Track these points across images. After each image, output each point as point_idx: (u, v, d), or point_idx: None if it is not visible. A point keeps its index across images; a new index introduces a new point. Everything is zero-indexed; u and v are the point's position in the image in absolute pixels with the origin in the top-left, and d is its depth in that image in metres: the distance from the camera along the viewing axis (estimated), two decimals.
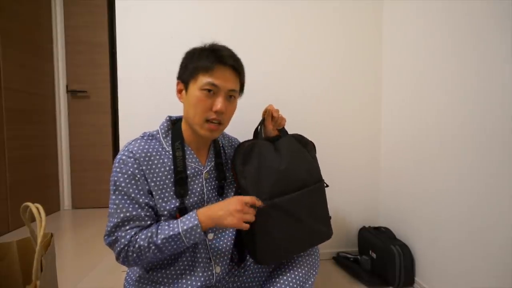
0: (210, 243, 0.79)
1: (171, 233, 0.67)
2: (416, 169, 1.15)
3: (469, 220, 0.90)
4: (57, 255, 0.89)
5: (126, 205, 0.69)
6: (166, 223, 0.70)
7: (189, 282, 0.74)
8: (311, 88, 1.36)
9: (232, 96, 0.77)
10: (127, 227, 0.68)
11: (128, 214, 0.68)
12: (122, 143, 1.29)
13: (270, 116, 0.93)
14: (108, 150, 2.43)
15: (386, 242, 1.19)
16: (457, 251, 0.95)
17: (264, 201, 0.74)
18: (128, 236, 0.67)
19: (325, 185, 0.91)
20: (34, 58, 2.14)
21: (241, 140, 1.00)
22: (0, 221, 1.82)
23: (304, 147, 0.90)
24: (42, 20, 2.24)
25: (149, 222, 0.71)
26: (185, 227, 0.67)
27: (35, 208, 0.71)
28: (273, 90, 1.33)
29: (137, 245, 0.66)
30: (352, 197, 1.42)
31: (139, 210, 0.70)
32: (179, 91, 0.79)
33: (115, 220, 0.68)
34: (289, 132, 0.96)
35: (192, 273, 0.75)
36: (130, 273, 0.80)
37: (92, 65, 2.39)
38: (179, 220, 0.70)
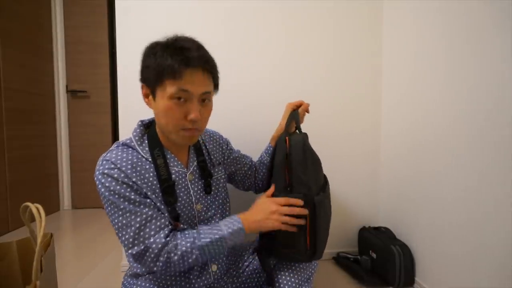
0: None
1: (217, 236, 0.66)
2: (417, 169, 1.15)
3: (469, 220, 0.90)
4: (57, 255, 0.89)
5: (137, 208, 0.64)
6: (207, 227, 0.69)
7: (187, 280, 0.74)
8: (311, 88, 1.36)
9: (206, 99, 0.69)
10: (152, 232, 0.64)
11: (144, 215, 0.64)
12: None
13: (304, 111, 0.98)
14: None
15: (386, 242, 1.19)
16: (457, 251, 0.95)
17: (321, 193, 0.77)
18: (159, 240, 0.63)
19: None
20: (34, 58, 2.14)
21: (232, 142, 1.00)
22: (0, 221, 1.82)
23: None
24: (42, 20, 2.24)
25: (167, 218, 0.68)
26: (230, 230, 0.67)
27: (35, 208, 0.70)
28: (273, 90, 1.33)
29: (179, 252, 0.64)
30: (352, 197, 1.42)
31: (151, 212, 0.65)
32: (145, 96, 0.72)
33: (133, 228, 0.63)
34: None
35: (190, 271, 0.75)
36: (128, 277, 0.79)
37: (92, 65, 2.39)
38: (221, 223, 0.69)
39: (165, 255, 0.64)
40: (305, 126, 1.34)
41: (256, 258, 0.85)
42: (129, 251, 0.65)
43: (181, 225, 0.72)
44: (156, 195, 0.69)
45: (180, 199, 0.73)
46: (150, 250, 0.64)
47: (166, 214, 0.70)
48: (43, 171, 2.23)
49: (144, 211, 0.64)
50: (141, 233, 0.64)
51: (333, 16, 1.35)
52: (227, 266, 0.83)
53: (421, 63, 1.12)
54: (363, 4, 1.37)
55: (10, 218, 1.88)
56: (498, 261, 0.81)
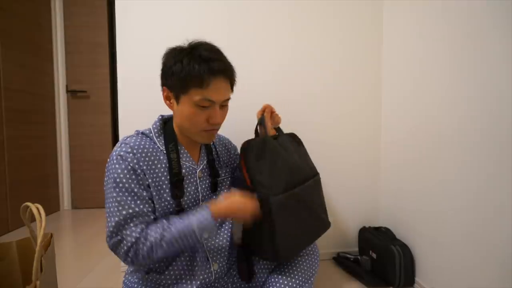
0: (206, 241, 0.79)
1: (184, 226, 0.66)
2: (416, 169, 1.15)
3: (469, 220, 0.90)
4: (57, 255, 0.89)
5: (129, 201, 0.67)
6: (177, 218, 0.69)
7: (188, 282, 0.74)
8: (311, 88, 1.36)
9: (225, 104, 0.76)
10: (131, 225, 0.66)
11: (131, 210, 0.66)
12: None
13: (269, 113, 0.95)
14: (108, 150, 2.43)
15: (386, 242, 1.19)
16: (457, 251, 0.95)
17: (281, 193, 0.77)
18: (134, 234, 0.65)
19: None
20: (34, 58, 2.14)
21: (233, 141, 1.02)
22: (0, 221, 1.82)
23: (298, 145, 0.96)
24: (42, 20, 2.24)
25: (152, 217, 0.70)
26: (198, 216, 0.68)
27: (35, 208, 0.70)
28: (272, 91, 1.33)
29: (148, 243, 0.65)
30: (352, 197, 1.42)
31: (142, 206, 0.68)
32: (167, 98, 0.76)
33: (117, 218, 0.66)
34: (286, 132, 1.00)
35: (191, 272, 0.75)
36: (128, 275, 0.79)
37: (92, 65, 2.39)
38: (189, 213, 0.70)
39: (135, 246, 0.65)
40: (306, 126, 1.35)
41: (257, 259, 0.85)
42: (107, 240, 0.67)
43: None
44: (161, 187, 0.72)
45: (188, 194, 0.76)
46: (124, 242, 0.66)
47: (160, 210, 0.72)
48: (43, 171, 2.23)
49: (132, 205, 0.67)
50: (124, 225, 0.66)
51: (330, 22, 1.36)
52: (228, 265, 0.83)
53: (421, 64, 1.12)
54: (363, 7, 1.37)
55: (10, 218, 1.88)
56: (498, 261, 0.81)
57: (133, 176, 0.68)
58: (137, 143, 0.71)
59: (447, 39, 0.98)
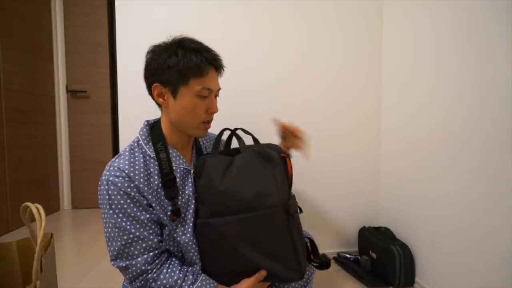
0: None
1: None
2: (416, 170, 1.15)
3: (469, 220, 0.90)
4: (57, 255, 0.89)
5: (128, 226, 0.65)
6: (192, 278, 0.68)
7: None
8: (311, 89, 1.36)
9: (217, 95, 0.78)
10: (136, 252, 0.65)
11: (131, 235, 0.64)
12: (122, 143, 1.29)
13: (284, 129, 0.92)
14: (108, 150, 2.43)
15: (386, 242, 1.19)
16: (457, 251, 0.95)
17: (203, 219, 0.71)
18: (140, 265, 0.65)
19: (288, 211, 0.69)
20: (34, 58, 2.14)
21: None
22: (0, 221, 1.82)
23: (267, 163, 0.73)
24: (42, 20, 2.24)
25: (155, 240, 0.68)
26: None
27: (35, 208, 0.70)
28: (272, 97, 1.33)
29: (158, 282, 0.65)
30: (352, 197, 1.42)
31: (142, 230, 0.66)
32: (159, 96, 0.73)
33: (119, 243, 0.64)
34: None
35: None
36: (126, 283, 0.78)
37: (92, 65, 2.39)
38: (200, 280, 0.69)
39: (143, 282, 0.65)
40: (307, 126, 1.34)
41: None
42: (112, 263, 0.66)
43: (178, 219, 0.71)
44: (160, 199, 0.70)
45: (184, 195, 0.74)
46: (130, 270, 0.65)
47: (167, 219, 0.69)
48: (43, 171, 2.23)
49: (133, 231, 0.65)
50: (126, 250, 0.65)
51: (330, 24, 1.36)
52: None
53: (421, 67, 1.12)
54: (363, 7, 1.37)
55: (10, 218, 1.88)
56: (498, 261, 0.81)
57: (128, 201, 0.65)
58: (126, 162, 0.68)
59: (448, 39, 0.98)
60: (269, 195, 0.69)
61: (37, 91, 2.16)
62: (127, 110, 1.26)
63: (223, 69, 0.77)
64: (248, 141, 0.81)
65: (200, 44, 0.73)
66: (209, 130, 0.93)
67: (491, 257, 0.83)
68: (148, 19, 1.25)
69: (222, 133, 0.84)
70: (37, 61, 2.17)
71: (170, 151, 0.74)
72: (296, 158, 0.92)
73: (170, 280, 0.66)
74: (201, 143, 0.87)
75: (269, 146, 0.78)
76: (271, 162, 0.73)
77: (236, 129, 0.84)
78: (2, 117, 1.83)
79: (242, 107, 1.31)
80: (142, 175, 0.68)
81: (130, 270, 0.65)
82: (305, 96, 1.36)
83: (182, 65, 0.68)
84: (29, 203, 0.72)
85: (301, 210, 0.76)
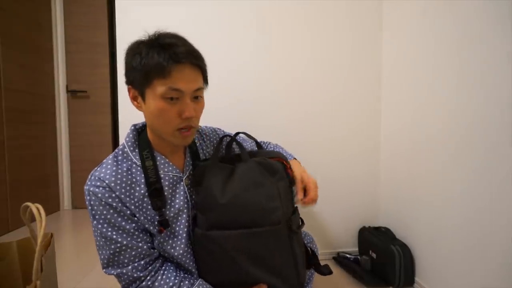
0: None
1: None
2: (417, 170, 1.15)
3: (469, 220, 0.90)
4: (57, 255, 0.89)
5: (114, 235, 0.63)
6: (189, 284, 0.67)
7: None
8: (312, 92, 1.36)
9: (199, 96, 0.67)
10: (126, 260, 0.64)
11: (119, 244, 0.63)
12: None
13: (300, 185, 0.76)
14: (108, 150, 2.43)
15: (386, 242, 1.19)
16: (457, 251, 0.95)
17: (202, 231, 0.68)
18: (131, 273, 0.63)
19: (291, 228, 0.68)
20: (34, 58, 2.14)
21: None
22: (0, 221, 1.82)
23: (271, 176, 0.70)
24: (42, 20, 2.24)
25: (145, 247, 0.65)
26: None
27: (35, 208, 0.71)
28: (272, 91, 1.33)
29: None
30: (352, 197, 1.42)
31: (130, 239, 0.64)
32: (134, 99, 0.68)
33: (107, 252, 0.63)
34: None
35: None
36: None
37: (92, 65, 2.39)
38: None
39: (138, 283, 0.64)
40: (307, 127, 1.35)
41: None
42: (104, 270, 0.65)
43: (165, 231, 0.68)
44: (145, 208, 0.66)
45: (175, 204, 0.69)
46: (122, 278, 0.64)
47: (154, 230, 0.67)
48: (43, 171, 2.23)
49: (119, 240, 0.63)
50: (116, 259, 0.64)
51: (330, 25, 1.35)
52: None
53: (421, 69, 1.12)
54: (362, 7, 1.37)
55: (10, 218, 1.88)
56: (498, 261, 0.81)
57: (111, 211, 0.63)
58: (108, 171, 0.64)
59: (448, 39, 0.98)
60: (272, 211, 0.67)
61: (37, 91, 2.16)
62: (127, 110, 1.26)
63: (203, 65, 0.67)
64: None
65: (176, 38, 0.65)
66: (216, 126, 0.86)
67: (491, 257, 0.83)
68: (148, 19, 1.25)
69: (222, 140, 0.80)
70: (37, 61, 2.17)
71: (158, 157, 0.69)
72: (297, 158, 0.92)
73: (165, 287, 0.65)
74: (197, 143, 0.80)
75: (271, 154, 0.76)
76: (275, 175, 0.70)
77: (238, 133, 0.81)
78: (2, 117, 1.83)
79: (241, 111, 1.31)
80: (124, 185, 0.64)
81: (122, 278, 0.64)
82: (306, 99, 1.36)
83: (143, 64, 0.61)
84: (29, 203, 0.72)
85: (303, 222, 0.75)
